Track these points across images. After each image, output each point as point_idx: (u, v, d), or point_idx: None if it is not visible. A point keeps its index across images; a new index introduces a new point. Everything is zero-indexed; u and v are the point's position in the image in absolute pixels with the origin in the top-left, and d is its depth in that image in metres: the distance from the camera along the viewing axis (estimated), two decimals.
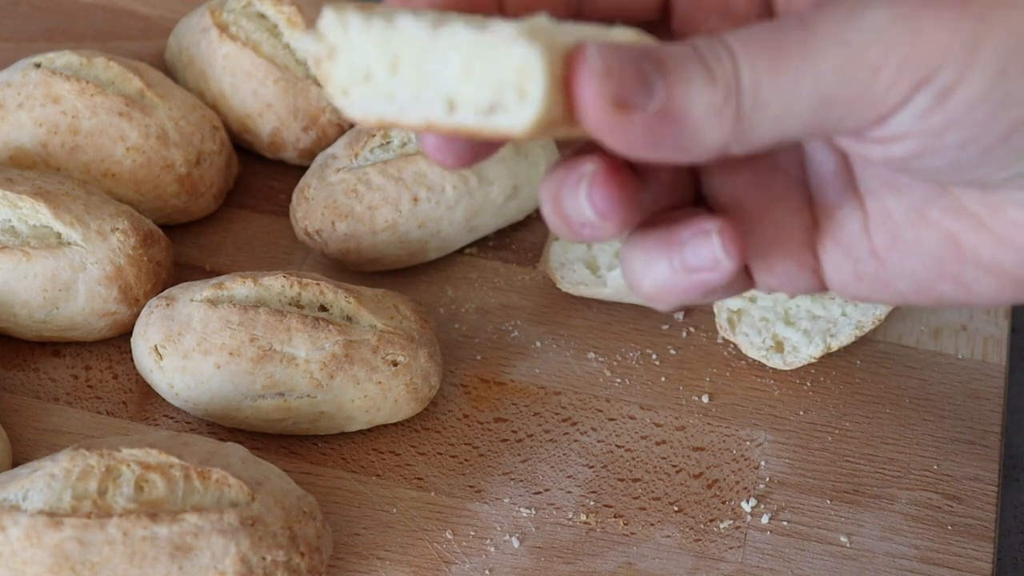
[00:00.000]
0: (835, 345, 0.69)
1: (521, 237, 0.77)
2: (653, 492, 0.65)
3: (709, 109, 0.37)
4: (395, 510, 0.64)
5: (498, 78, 0.35)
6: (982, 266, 0.42)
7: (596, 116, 0.37)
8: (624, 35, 0.39)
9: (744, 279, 0.46)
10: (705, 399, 0.69)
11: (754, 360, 0.71)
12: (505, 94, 0.35)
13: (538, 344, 0.72)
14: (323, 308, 0.65)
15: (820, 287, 0.45)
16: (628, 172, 0.41)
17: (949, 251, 0.42)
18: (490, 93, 0.36)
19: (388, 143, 0.73)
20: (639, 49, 0.37)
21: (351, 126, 0.77)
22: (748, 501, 0.65)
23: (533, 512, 0.64)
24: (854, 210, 0.42)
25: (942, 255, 0.42)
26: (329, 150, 0.75)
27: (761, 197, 0.44)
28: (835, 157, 0.44)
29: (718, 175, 0.44)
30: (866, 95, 0.37)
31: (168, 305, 0.65)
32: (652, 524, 0.64)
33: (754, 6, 0.43)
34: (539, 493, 0.65)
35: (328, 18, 0.37)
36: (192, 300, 0.65)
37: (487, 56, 0.35)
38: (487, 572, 0.61)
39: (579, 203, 0.41)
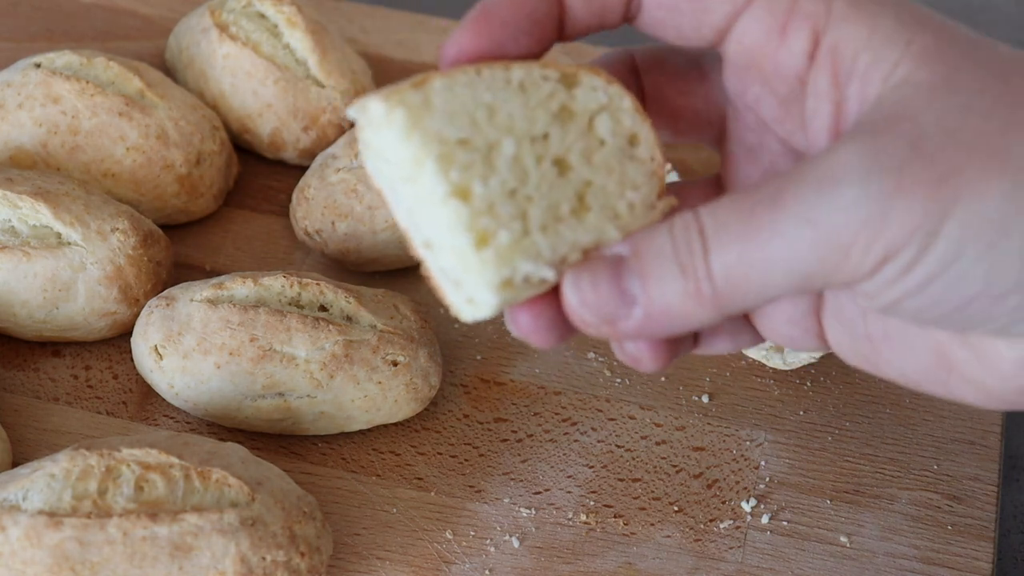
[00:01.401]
0: None
1: None
2: (653, 492, 0.65)
3: (686, 297, 0.41)
4: (395, 510, 0.64)
5: (462, 277, 0.42)
6: (968, 380, 0.44)
7: (594, 333, 0.43)
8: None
9: (753, 334, 0.48)
10: (705, 399, 0.69)
11: (754, 360, 0.71)
12: (462, 298, 0.43)
13: None
14: (323, 308, 0.65)
15: (825, 348, 0.48)
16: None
17: (938, 360, 0.44)
18: (455, 281, 0.43)
19: None
20: (615, 264, 0.42)
21: (351, 126, 0.77)
22: (748, 501, 0.65)
23: (533, 512, 0.64)
24: (854, 297, 0.44)
25: (930, 362, 0.44)
26: (329, 150, 0.75)
27: None
28: None
29: None
30: (839, 268, 0.39)
31: (168, 305, 0.65)
32: (652, 524, 0.64)
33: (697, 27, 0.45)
34: (539, 493, 0.65)
35: (361, 109, 0.42)
36: (192, 300, 0.65)
37: (458, 259, 0.42)
38: (487, 572, 0.61)
39: (622, 349, 0.46)
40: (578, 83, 0.45)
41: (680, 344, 0.46)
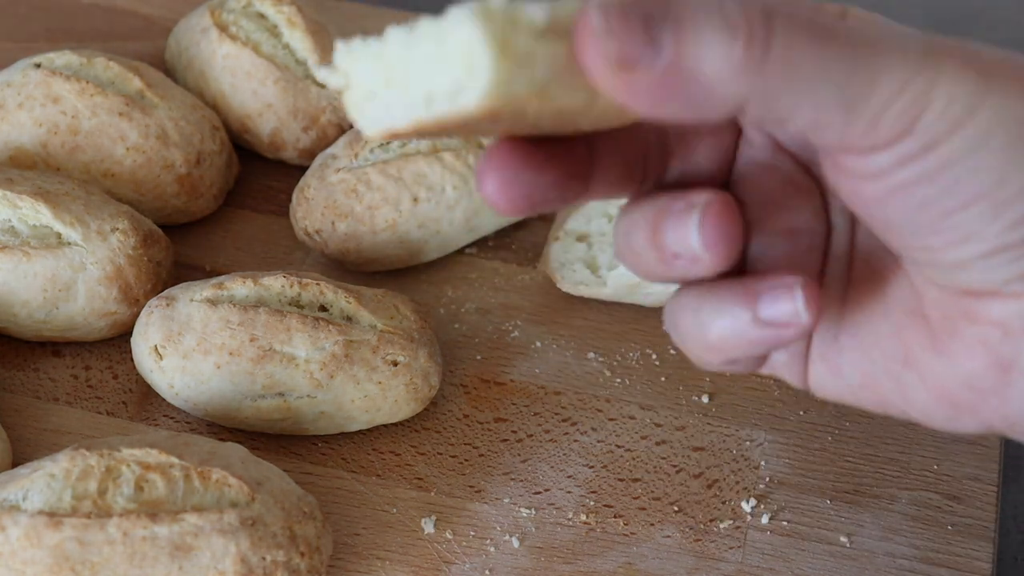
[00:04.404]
0: None
1: (521, 237, 0.77)
2: (653, 492, 0.65)
3: (726, 64, 0.36)
4: (395, 510, 0.64)
5: (455, 61, 0.36)
6: (923, 378, 0.44)
7: (601, 79, 0.36)
8: None
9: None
10: (705, 399, 0.69)
11: None
12: (461, 73, 0.36)
13: (538, 344, 0.72)
14: (323, 308, 0.65)
15: (804, 387, 0.48)
16: (736, 210, 0.42)
17: (897, 351, 0.44)
18: (451, 77, 0.36)
19: (388, 143, 0.73)
20: (651, 1, 0.36)
21: (351, 126, 0.77)
22: (748, 501, 0.65)
23: (533, 512, 0.64)
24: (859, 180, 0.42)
25: (890, 351, 0.44)
26: (329, 150, 0.75)
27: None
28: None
29: None
30: (864, 118, 0.38)
31: (168, 305, 0.65)
32: (652, 524, 0.64)
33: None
34: (539, 493, 0.65)
35: (339, 50, 0.40)
36: (192, 300, 0.65)
37: (445, 42, 0.36)
38: (487, 572, 0.61)
39: (686, 233, 0.41)
40: None
41: (739, 247, 0.43)
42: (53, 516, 0.54)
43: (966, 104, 0.38)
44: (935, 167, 0.39)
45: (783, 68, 0.36)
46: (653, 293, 0.71)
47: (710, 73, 0.36)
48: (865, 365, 0.45)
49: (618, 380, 0.70)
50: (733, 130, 0.45)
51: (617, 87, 0.36)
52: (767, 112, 0.38)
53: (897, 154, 0.39)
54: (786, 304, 0.42)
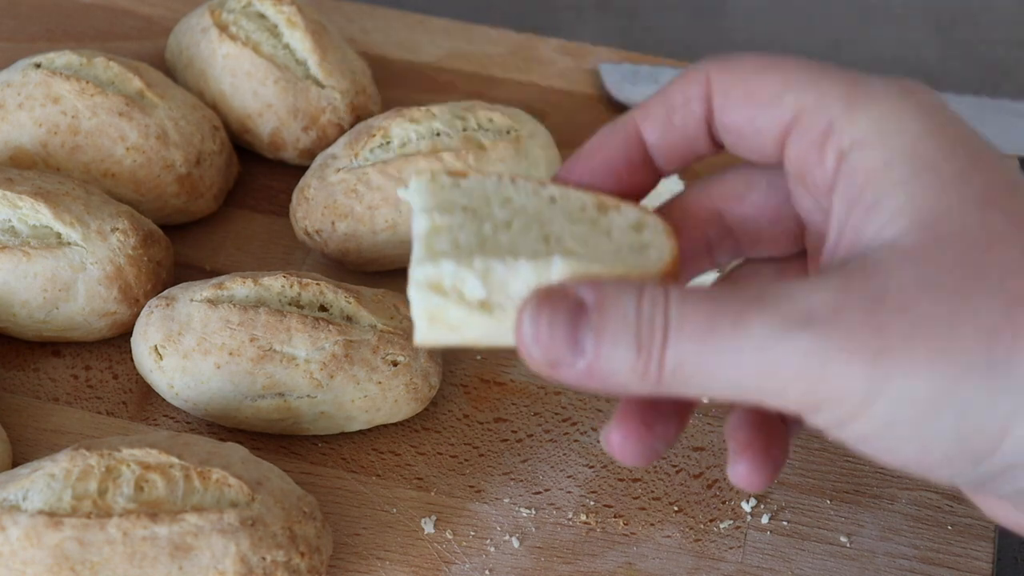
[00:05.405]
0: None
1: None
2: (653, 492, 0.65)
3: (632, 371, 0.42)
4: (395, 510, 0.64)
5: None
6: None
7: (534, 367, 0.43)
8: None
9: None
10: (705, 399, 0.69)
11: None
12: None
13: None
14: (323, 308, 0.65)
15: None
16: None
17: None
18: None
19: (388, 143, 0.73)
20: (576, 311, 0.42)
21: (351, 126, 0.77)
22: (748, 501, 0.65)
23: (533, 512, 0.64)
24: None
25: None
26: (329, 150, 0.75)
27: None
28: None
29: None
30: (780, 399, 0.41)
31: (168, 305, 0.65)
32: (652, 524, 0.64)
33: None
34: (539, 493, 0.65)
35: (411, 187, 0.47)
36: (192, 300, 0.65)
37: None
38: (487, 572, 0.61)
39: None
40: (617, 208, 0.48)
41: (657, 445, 0.48)
42: (53, 516, 0.54)
43: (859, 401, 0.40)
44: (855, 439, 0.42)
45: (674, 377, 0.42)
46: None
47: (620, 376, 0.42)
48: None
49: None
50: (792, 218, 0.50)
51: (547, 375, 0.43)
52: (680, 396, 0.43)
53: (819, 422, 0.41)
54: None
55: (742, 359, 0.40)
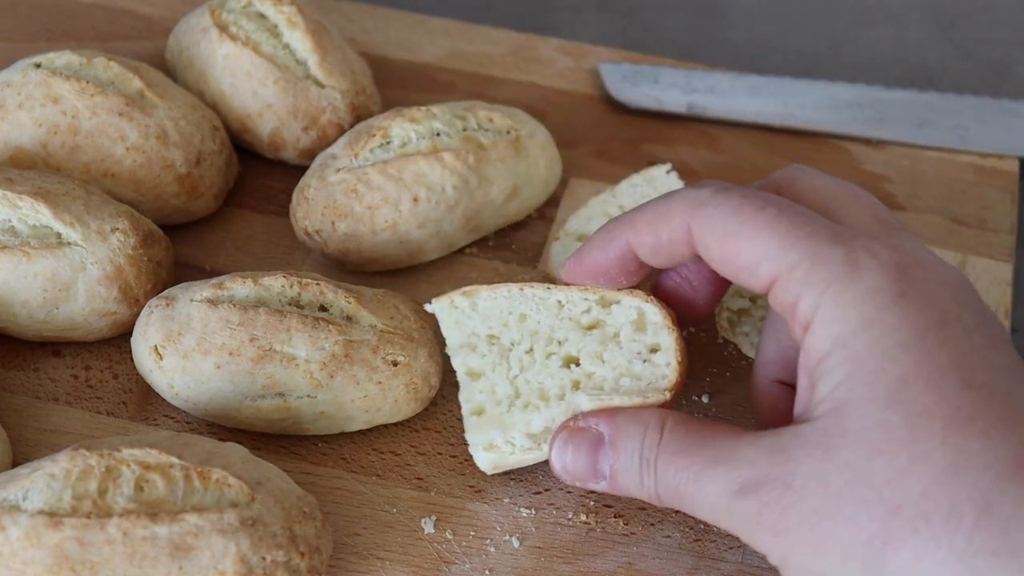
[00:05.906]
0: None
1: (521, 237, 0.77)
2: None
3: (640, 491, 0.56)
4: (395, 510, 0.64)
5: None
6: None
7: (568, 482, 0.59)
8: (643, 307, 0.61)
9: None
10: (705, 399, 0.69)
11: (754, 360, 0.71)
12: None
13: None
14: (323, 308, 0.65)
15: None
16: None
17: None
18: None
19: (388, 143, 0.73)
20: (595, 444, 0.57)
21: (351, 126, 0.77)
22: None
23: (533, 512, 0.64)
24: None
25: None
26: (329, 150, 0.75)
27: None
28: None
29: None
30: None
31: (168, 305, 0.65)
32: (652, 524, 0.64)
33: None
34: (539, 493, 0.65)
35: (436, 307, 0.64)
36: (192, 300, 0.65)
37: (465, 419, 0.63)
38: (487, 572, 0.61)
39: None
40: (618, 302, 0.60)
41: None
42: (53, 516, 0.54)
43: (777, 560, 0.52)
44: None
45: (669, 501, 0.55)
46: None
47: (631, 493, 0.56)
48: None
49: None
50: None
51: (582, 487, 0.58)
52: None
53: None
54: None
55: (715, 494, 0.52)
